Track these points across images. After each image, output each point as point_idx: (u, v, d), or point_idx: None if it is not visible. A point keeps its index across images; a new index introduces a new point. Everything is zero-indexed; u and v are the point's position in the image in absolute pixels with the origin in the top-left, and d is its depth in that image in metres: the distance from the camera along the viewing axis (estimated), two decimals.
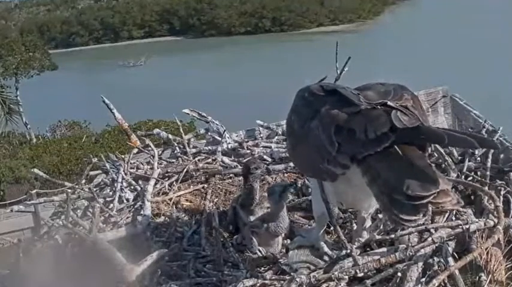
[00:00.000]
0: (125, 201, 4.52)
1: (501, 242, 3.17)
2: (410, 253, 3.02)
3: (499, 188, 3.63)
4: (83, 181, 5.01)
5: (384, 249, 3.17)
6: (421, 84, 5.89)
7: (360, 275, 2.99)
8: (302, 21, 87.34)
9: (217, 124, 5.58)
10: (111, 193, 4.69)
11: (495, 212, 3.19)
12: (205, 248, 3.68)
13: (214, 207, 4.24)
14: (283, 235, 3.65)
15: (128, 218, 4.26)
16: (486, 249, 3.03)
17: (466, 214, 3.40)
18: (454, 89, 5.83)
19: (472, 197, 3.70)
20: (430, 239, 3.05)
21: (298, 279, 2.91)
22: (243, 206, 3.81)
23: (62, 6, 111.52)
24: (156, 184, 4.63)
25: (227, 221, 3.89)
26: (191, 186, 4.67)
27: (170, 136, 5.67)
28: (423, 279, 2.90)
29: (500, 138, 4.24)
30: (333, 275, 2.94)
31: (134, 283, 3.07)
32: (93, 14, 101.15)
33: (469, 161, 4.04)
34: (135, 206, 4.38)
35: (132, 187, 4.68)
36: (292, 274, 3.01)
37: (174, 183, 4.69)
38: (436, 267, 2.96)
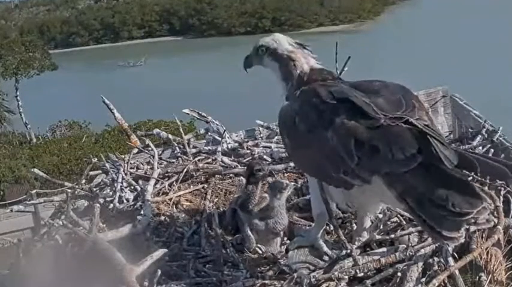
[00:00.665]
0: (124, 201, 4.50)
1: (501, 242, 3.16)
2: (410, 253, 3.03)
3: (499, 188, 3.61)
4: (83, 181, 4.99)
5: (384, 249, 3.17)
6: (421, 84, 5.88)
7: (360, 275, 2.99)
8: (302, 21, 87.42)
9: (217, 124, 5.57)
10: (111, 193, 4.68)
11: (495, 212, 3.18)
12: (205, 248, 3.67)
13: (214, 207, 4.22)
14: (281, 233, 3.64)
15: (127, 218, 4.25)
16: (486, 249, 3.02)
17: None
18: (454, 89, 5.81)
19: None
20: (430, 239, 3.04)
21: (298, 279, 2.91)
22: (243, 207, 3.79)
23: (62, 6, 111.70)
24: (156, 184, 4.62)
25: (225, 222, 3.88)
26: (191, 186, 4.66)
27: (170, 136, 5.65)
28: (423, 279, 2.89)
29: (500, 138, 4.23)
30: (333, 275, 2.94)
31: (134, 283, 3.06)
32: (93, 14, 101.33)
33: None
34: (135, 206, 4.37)
35: (132, 187, 4.67)
36: (292, 274, 3.01)
37: (174, 183, 4.67)
38: (436, 267, 2.95)
